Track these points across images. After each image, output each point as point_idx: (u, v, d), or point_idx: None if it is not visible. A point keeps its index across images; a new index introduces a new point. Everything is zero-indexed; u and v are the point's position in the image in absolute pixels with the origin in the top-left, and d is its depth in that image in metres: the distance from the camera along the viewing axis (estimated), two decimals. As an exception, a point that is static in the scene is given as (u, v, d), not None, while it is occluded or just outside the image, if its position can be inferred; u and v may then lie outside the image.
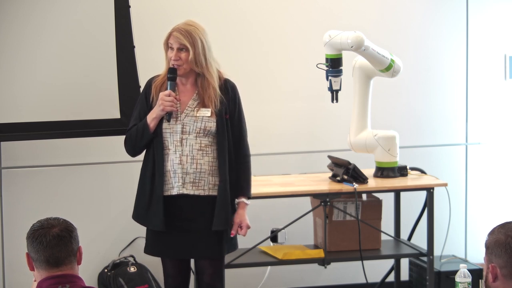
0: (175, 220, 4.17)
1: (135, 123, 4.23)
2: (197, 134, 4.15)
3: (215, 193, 4.18)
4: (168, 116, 4.13)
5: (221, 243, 4.22)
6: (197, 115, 4.16)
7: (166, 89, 4.16)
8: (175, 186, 4.15)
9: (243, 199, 4.26)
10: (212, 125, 4.15)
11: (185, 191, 4.15)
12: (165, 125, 4.16)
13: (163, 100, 4.11)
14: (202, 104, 4.17)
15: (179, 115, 4.16)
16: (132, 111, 4.36)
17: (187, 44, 4.10)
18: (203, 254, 4.23)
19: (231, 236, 4.24)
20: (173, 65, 4.14)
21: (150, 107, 4.21)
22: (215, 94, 4.16)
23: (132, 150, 4.27)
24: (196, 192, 4.16)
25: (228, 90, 4.23)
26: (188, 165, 4.14)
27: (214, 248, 4.21)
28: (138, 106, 4.28)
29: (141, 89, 4.91)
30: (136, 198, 4.28)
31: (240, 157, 4.25)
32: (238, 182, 4.24)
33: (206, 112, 4.16)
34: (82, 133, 5.04)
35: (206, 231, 4.18)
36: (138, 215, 4.27)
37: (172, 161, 4.14)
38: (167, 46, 4.18)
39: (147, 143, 4.20)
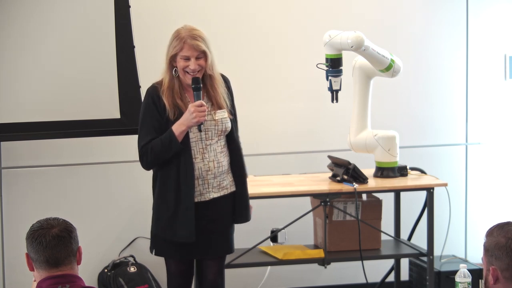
0: (201, 226, 4.16)
1: (153, 137, 4.11)
2: (218, 138, 4.16)
3: (233, 189, 4.22)
4: (199, 126, 4.09)
5: (229, 240, 4.25)
6: (216, 118, 4.15)
7: (181, 97, 4.12)
8: (204, 192, 4.14)
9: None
10: (229, 125, 4.18)
11: (214, 195, 4.16)
12: (191, 134, 4.12)
13: (197, 111, 4.04)
14: (217, 106, 4.16)
15: None
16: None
17: (206, 50, 4.09)
18: (217, 252, 4.25)
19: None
20: (192, 73, 4.08)
21: (166, 118, 4.12)
22: (223, 92, 4.18)
23: (153, 164, 4.17)
24: (222, 193, 4.18)
25: (227, 84, 4.27)
26: (216, 170, 4.15)
27: (226, 245, 4.25)
28: (148, 118, 4.15)
29: (141, 89, 4.94)
30: (156, 211, 4.20)
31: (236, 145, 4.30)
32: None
33: (224, 114, 4.16)
34: (82, 133, 5.04)
35: (221, 230, 4.21)
36: (161, 228, 4.18)
37: (200, 169, 4.13)
38: (173, 55, 4.10)
39: (173, 155, 4.12)
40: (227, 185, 4.20)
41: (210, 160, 4.14)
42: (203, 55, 4.10)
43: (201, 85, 4.11)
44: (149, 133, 4.13)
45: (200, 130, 4.10)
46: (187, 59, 4.08)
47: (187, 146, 4.10)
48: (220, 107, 4.16)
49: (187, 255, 4.23)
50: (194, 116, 4.03)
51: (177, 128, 4.08)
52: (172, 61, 4.13)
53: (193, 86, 4.10)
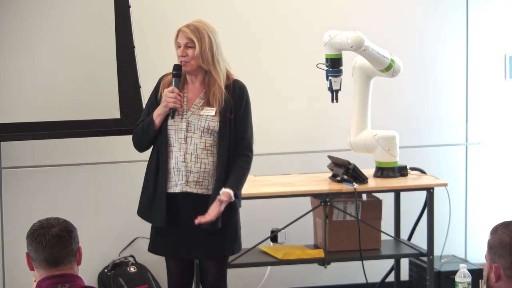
0: (178, 218, 4.17)
1: (143, 119, 4.24)
2: (202, 133, 4.14)
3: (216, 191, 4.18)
4: (172, 112, 4.13)
5: (224, 243, 4.22)
6: (201, 113, 4.15)
7: (171, 85, 4.16)
8: (178, 184, 4.14)
9: (227, 190, 4.09)
10: (215, 124, 4.14)
11: (188, 189, 4.14)
12: (170, 122, 4.16)
13: (166, 96, 4.12)
14: (207, 103, 4.16)
15: (185, 112, 4.16)
16: (139, 109, 4.44)
17: (193, 39, 4.10)
18: (207, 254, 4.23)
19: (195, 223, 4.08)
20: (180, 62, 4.14)
21: (158, 104, 4.21)
22: (220, 92, 4.15)
23: (138, 145, 4.29)
24: (200, 191, 4.15)
25: (236, 89, 4.20)
26: (192, 164, 4.13)
27: (218, 248, 4.21)
28: (148, 102, 4.30)
29: (141, 89, 4.95)
30: (141, 194, 4.28)
31: (237, 156, 4.20)
32: (228, 178, 4.15)
33: (210, 111, 4.15)
34: (82, 133, 5.04)
35: (210, 231, 4.17)
36: (142, 211, 4.27)
37: (176, 158, 4.14)
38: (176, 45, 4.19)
39: (152, 139, 4.21)
40: (209, 186, 4.15)
41: (188, 152, 4.14)
42: (192, 44, 4.12)
43: (180, 73, 4.15)
44: (143, 116, 4.27)
45: (172, 117, 4.14)
46: (179, 46, 4.15)
47: (163, 132, 4.16)
48: (210, 105, 4.16)
49: (178, 254, 4.23)
50: (163, 100, 4.12)
51: (155, 112, 4.18)
52: None
53: (173, 72, 4.16)
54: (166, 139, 4.16)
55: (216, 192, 4.13)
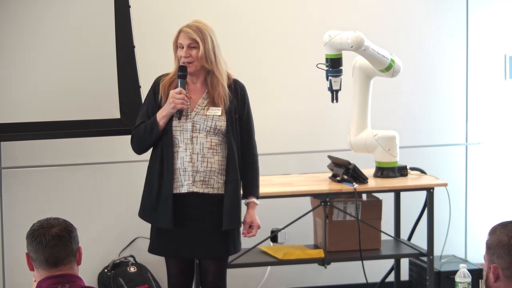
0: (183, 218, 4.17)
1: (143, 121, 4.22)
2: (207, 133, 4.15)
3: (223, 191, 4.18)
4: (179, 114, 4.12)
5: (226, 243, 4.22)
6: (207, 113, 4.15)
7: (177, 87, 4.15)
8: (185, 184, 4.14)
9: (253, 199, 4.28)
10: (222, 124, 4.15)
11: (195, 189, 4.14)
12: (175, 123, 4.15)
13: (173, 97, 4.10)
14: (212, 103, 4.16)
15: (189, 113, 4.15)
16: (139, 109, 4.35)
17: (197, 39, 4.10)
18: (209, 253, 4.23)
19: (243, 235, 4.27)
20: (183, 63, 4.13)
21: (158, 106, 4.19)
22: (224, 92, 4.16)
23: (139, 147, 4.26)
24: (206, 191, 4.15)
25: (238, 90, 4.23)
26: (199, 164, 4.13)
27: (220, 247, 4.21)
28: (146, 103, 4.27)
29: (141, 89, 4.95)
30: (142, 196, 4.27)
31: (248, 156, 4.25)
32: (247, 182, 4.26)
33: (217, 111, 4.15)
34: (82, 133, 5.04)
35: (213, 230, 4.18)
36: (145, 213, 4.25)
37: (182, 159, 4.14)
38: (176, 46, 4.17)
39: (155, 141, 4.19)
40: (214, 185, 4.17)
41: (194, 152, 4.14)
42: (196, 45, 4.11)
43: (186, 74, 4.14)
44: (142, 117, 4.24)
45: (179, 118, 4.13)
46: (182, 47, 4.14)
47: (168, 133, 4.14)
48: (215, 105, 4.16)
49: (180, 254, 4.23)
50: (171, 102, 4.10)
51: (159, 113, 4.16)
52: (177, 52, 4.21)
53: (178, 73, 4.14)
54: (171, 140, 4.15)
55: (232, 192, 4.16)
